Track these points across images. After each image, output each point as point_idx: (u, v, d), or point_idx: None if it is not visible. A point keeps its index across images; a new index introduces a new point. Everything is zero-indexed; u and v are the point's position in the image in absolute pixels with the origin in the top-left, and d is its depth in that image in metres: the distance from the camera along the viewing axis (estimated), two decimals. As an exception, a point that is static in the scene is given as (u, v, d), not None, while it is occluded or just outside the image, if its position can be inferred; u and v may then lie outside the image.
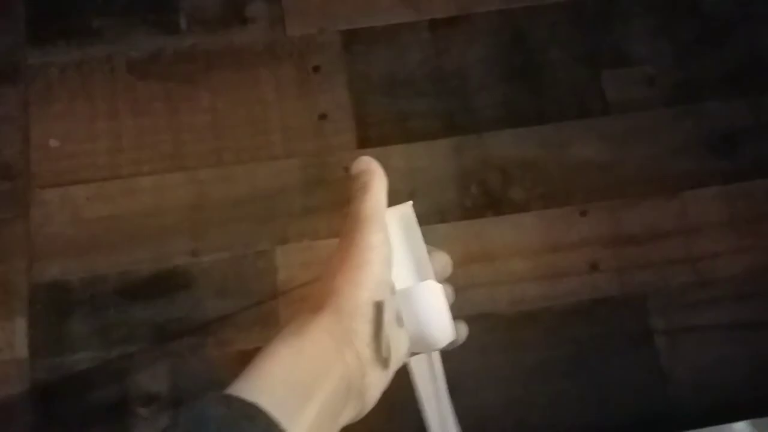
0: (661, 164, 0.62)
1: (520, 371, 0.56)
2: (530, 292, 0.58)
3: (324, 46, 0.64)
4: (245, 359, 0.55)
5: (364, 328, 0.30)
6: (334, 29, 0.64)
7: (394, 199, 0.61)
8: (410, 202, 0.38)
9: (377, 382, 0.31)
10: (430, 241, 0.37)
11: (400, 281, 0.34)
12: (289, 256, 0.58)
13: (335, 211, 0.59)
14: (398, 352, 0.32)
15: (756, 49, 0.65)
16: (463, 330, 0.37)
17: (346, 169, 0.60)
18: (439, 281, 0.35)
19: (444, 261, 0.38)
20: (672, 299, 0.58)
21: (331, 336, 0.29)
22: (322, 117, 0.62)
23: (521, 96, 0.64)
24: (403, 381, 0.35)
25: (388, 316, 0.31)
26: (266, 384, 0.27)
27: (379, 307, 0.30)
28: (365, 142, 0.61)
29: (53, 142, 0.60)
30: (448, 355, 0.38)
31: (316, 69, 0.63)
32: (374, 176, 0.35)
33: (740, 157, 0.62)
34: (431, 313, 0.32)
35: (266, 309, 0.57)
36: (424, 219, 0.38)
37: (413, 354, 0.36)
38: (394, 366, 0.32)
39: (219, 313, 0.56)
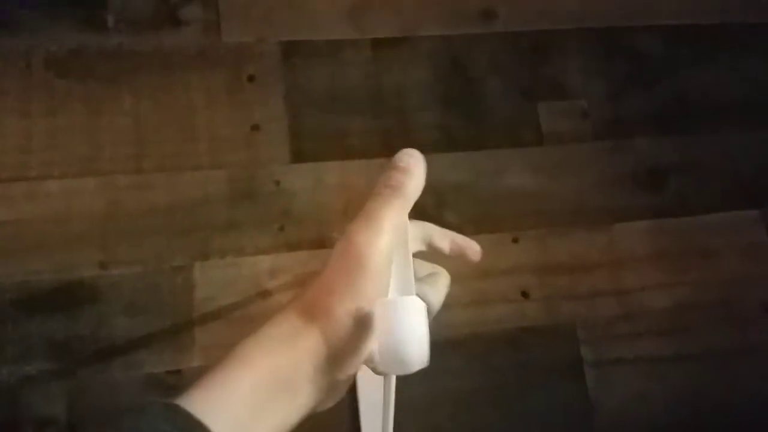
0: (592, 196, 0.63)
1: (444, 400, 0.54)
2: (458, 318, 0.57)
3: (262, 55, 0.61)
4: (153, 384, 0.51)
5: (350, 362, 0.29)
6: (273, 39, 0.62)
7: (327, 216, 0.59)
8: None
9: (343, 391, 0.31)
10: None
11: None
12: (209, 273, 0.55)
13: (264, 227, 0.57)
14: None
15: (682, 91, 0.68)
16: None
17: (278, 182, 0.58)
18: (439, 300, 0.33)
19: (443, 280, 0.37)
20: (600, 331, 0.58)
21: (313, 365, 0.28)
22: (255, 128, 0.59)
23: (458, 121, 0.63)
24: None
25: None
26: (224, 398, 0.25)
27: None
28: (299, 156, 0.59)
29: (-47, 137, 0.55)
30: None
31: (251, 78, 0.60)
32: (411, 179, 0.31)
33: (667, 193, 0.64)
34: (411, 331, 0.28)
35: (181, 330, 0.53)
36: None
37: (378, 374, 0.33)
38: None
39: (127, 333, 0.52)
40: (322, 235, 0.58)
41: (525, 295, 0.59)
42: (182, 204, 0.56)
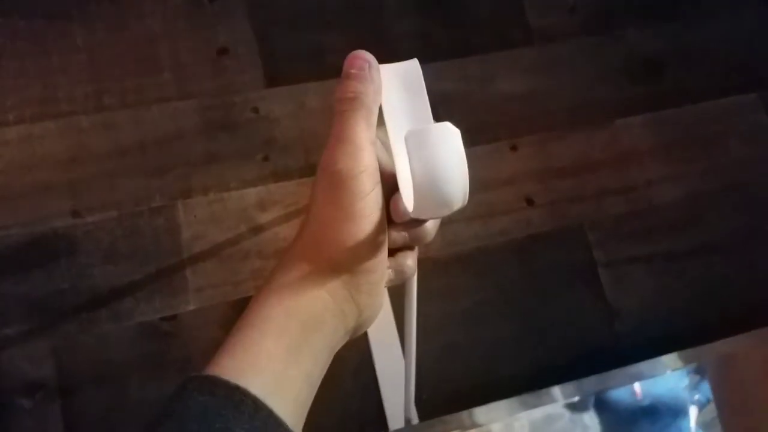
0: (588, 94, 0.60)
1: (458, 317, 0.52)
2: (463, 234, 0.54)
3: (219, -25, 0.56)
4: (147, 332, 0.48)
5: (366, 279, 0.28)
6: (229, -44, 0.57)
7: (314, 142, 0.55)
8: (415, 60, 0.31)
9: (377, 308, 0.30)
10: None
11: (402, 129, 0.27)
12: (194, 211, 0.51)
13: (246, 158, 0.52)
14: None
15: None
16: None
17: (256, 109, 0.53)
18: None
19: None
20: (610, 231, 0.56)
21: (332, 295, 0.28)
22: (222, 52, 0.54)
23: (440, 26, 0.59)
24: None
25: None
26: (254, 356, 0.25)
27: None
28: (275, 80, 0.54)
29: None
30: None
31: (211, -1, 0.55)
32: (368, 83, 0.28)
33: (664, 83, 0.61)
34: (451, 160, 0.25)
35: (171, 273, 0.49)
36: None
37: (410, 224, 0.29)
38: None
39: (111, 282, 0.48)
40: (311, 161, 0.54)
41: (530, 202, 0.56)
42: (153, 140, 0.51)
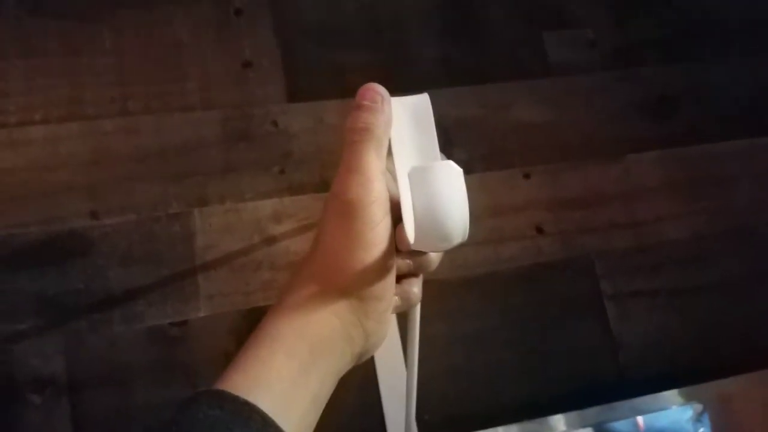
0: (602, 127, 0.60)
1: (461, 341, 0.52)
2: (472, 257, 0.55)
3: (248, -12, 0.57)
4: (157, 336, 0.48)
5: (375, 307, 0.28)
6: (259, -29, 0.58)
7: (330, 158, 0.56)
8: (425, 94, 0.31)
9: (384, 334, 0.30)
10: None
11: (409, 162, 0.28)
12: (209, 220, 0.51)
13: (263, 170, 0.53)
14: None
15: (692, 16, 0.65)
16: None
17: (275, 123, 0.54)
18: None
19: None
20: (617, 264, 0.56)
21: (341, 319, 0.28)
22: (247, 65, 0.55)
23: (460, 53, 0.60)
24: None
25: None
26: (264, 374, 0.26)
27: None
28: (296, 95, 0.55)
29: None
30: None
31: (238, 12, 0.56)
32: (378, 115, 0.28)
33: (677, 121, 0.62)
34: (452, 197, 0.25)
35: (183, 279, 0.50)
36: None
37: (415, 253, 0.30)
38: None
39: (124, 284, 0.49)
40: (326, 177, 0.54)
41: (540, 230, 0.56)
42: (174, 147, 0.52)
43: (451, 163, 0.26)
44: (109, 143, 0.51)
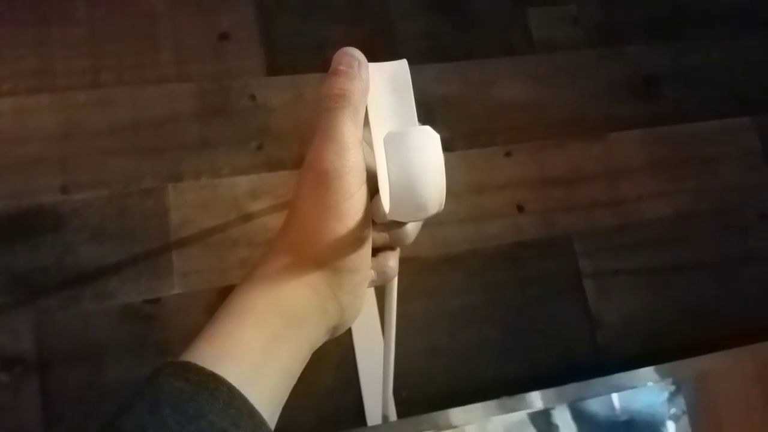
0: (586, 106, 0.60)
1: (442, 318, 0.52)
2: (454, 235, 0.54)
3: (226, -42, 0.55)
4: (130, 314, 0.47)
5: (349, 279, 0.28)
6: (238, -60, 0.56)
7: (310, 133, 0.55)
8: (404, 60, 0.30)
9: (359, 307, 0.29)
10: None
11: (385, 129, 0.27)
12: (184, 196, 0.50)
13: (240, 145, 0.52)
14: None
15: (677, -6, 0.65)
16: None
17: (253, 97, 0.53)
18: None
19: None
20: (597, 242, 0.56)
21: (315, 292, 0.27)
22: (223, 37, 0.54)
23: (445, 28, 0.59)
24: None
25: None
26: (232, 345, 0.25)
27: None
28: (275, 69, 0.54)
29: None
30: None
31: (215, -18, 0.54)
32: (354, 81, 0.27)
33: (662, 101, 0.61)
34: (428, 164, 0.25)
35: (157, 256, 0.49)
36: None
37: (392, 225, 0.29)
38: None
39: (96, 261, 0.48)
40: (305, 153, 0.53)
41: (520, 209, 0.56)
42: (148, 121, 0.51)
43: (428, 128, 0.25)
44: (80, 116, 0.50)
